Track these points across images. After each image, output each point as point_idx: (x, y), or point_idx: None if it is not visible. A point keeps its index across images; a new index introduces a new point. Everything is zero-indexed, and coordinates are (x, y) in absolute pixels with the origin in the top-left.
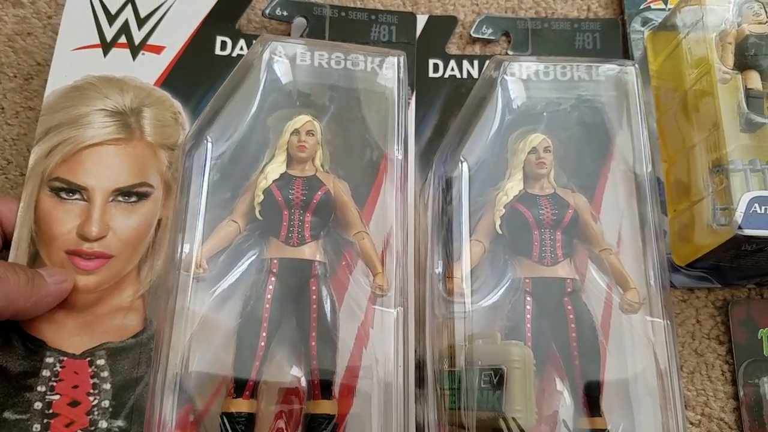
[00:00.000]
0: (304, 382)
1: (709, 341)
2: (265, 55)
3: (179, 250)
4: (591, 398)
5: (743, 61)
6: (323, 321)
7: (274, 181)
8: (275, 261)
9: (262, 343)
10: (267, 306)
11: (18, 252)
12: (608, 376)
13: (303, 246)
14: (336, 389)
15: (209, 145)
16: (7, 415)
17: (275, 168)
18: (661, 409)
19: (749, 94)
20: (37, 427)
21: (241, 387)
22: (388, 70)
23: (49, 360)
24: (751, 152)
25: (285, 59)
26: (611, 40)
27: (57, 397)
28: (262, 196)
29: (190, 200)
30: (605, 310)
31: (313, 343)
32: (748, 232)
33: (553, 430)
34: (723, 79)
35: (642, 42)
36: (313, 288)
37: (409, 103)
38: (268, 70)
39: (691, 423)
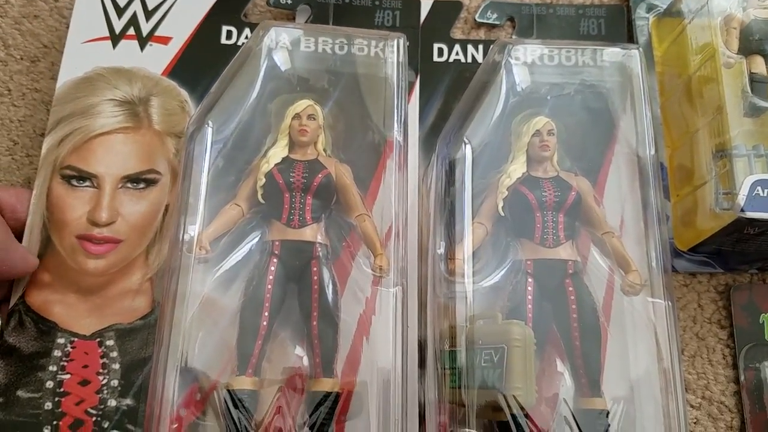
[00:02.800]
0: (306, 361)
1: (710, 325)
2: (266, 41)
3: (181, 232)
4: (591, 379)
5: (748, 46)
6: (324, 301)
7: (275, 165)
8: (277, 243)
9: (264, 323)
10: (269, 287)
11: (31, 238)
12: (609, 357)
13: (304, 228)
14: (337, 367)
15: (210, 129)
16: (20, 393)
17: (277, 152)
18: (662, 391)
19: (753, 78)
20: (48, 405)
21: (244, 365)
22: (388, 52)
23: (61, 341)
24: (754, 137)
25: (284, 45)
26: (616, 26)
27: (68, 376)
28: (263, 180)
29: (192, 183)
30: (607, 293)
31: (315, 323)
32: (750, 214)
33: (554, 410)
34: (727, 64)
35: (647, 28)
36: (315, 269)
37: (412, 86)
38: (268, 55)
39: (692, 406)
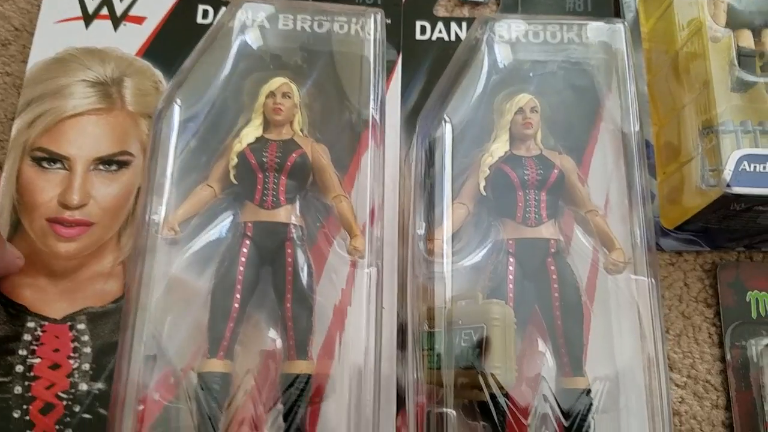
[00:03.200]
0: (280, 344)
1: (696, 304)
2: (238, 18)
3: (147, 213)
4: (573, 358)
5: (735, 20)
6: (299, 283)
7: (248, 145)
8: (250, 224)
9: (236, 305)
10: (241, 269)
11: (0, 221)
12: (593, 336)
13: (278, 209)
14: (312, 350)
15: (178, 108)
16: None
17: (250, 132)
18: (644, 369)
19: (741, 52)
20: (18, 389)
21: (215, 347)
22: (365, 29)
23: (31, 325)
24: (742, 113)
25: (258, 22)
26: (602, 2)
27: (38, 360)
28: (236, 160)
29: (159, 163)
30: (591, 272)
31: (288, 305)
32: (737, 190)
33: (536, 390)
34: (714, 38)
35: (634, 3)
36: (289, 251)
37: (394, 65)
38: (240, 33)
39: (677, 385)
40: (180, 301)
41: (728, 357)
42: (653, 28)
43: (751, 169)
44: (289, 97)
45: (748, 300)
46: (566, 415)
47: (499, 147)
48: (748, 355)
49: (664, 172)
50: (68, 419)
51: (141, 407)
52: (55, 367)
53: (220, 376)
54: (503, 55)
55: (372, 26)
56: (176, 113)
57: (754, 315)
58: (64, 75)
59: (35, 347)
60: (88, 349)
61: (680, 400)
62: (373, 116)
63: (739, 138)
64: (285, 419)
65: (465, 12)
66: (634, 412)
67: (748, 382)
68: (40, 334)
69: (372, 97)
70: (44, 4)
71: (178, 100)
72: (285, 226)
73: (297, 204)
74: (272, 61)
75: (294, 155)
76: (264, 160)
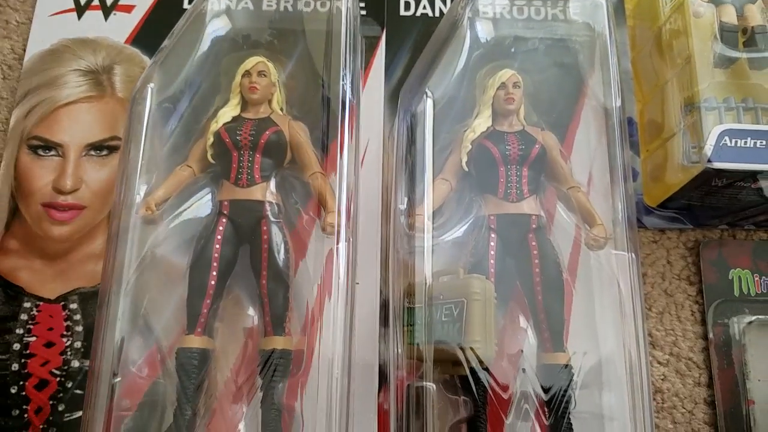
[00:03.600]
0: (257, 321)
1: (679, 282)
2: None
3: (121, 193)
4: (554, 333)
5: None
6: (274, 261)
7: (224, 124)
8: (226, 203)
9: (212, 282)
10: (217, 246)
11: None
12: (575, 313)
13: (253, 187)
14: (289, 326)
15: (151, 90)
16: None
17: (227, 111)
18: (625, 344)
19: (724, 27)
20: (15, 366)
21: (192, 324)
22: (338, 5)
23: (27, 305)
24: (725, 89)
25: (232, 3)
26: None
27: (33, 338)
28: (212, 139)
29: (133, 144)
30: (574, 248)
31: (264, 281)
32: (717, 165)
33: (516, 366)
34: (696, 13)
35: None
36: (264, 228)
37: (378, 41)
38: (213, 14)
39: (660, 362)
40: (160, 279)
41: (710, 335)
42: (637, 4)
43: (732, 144)
44: (265, 75)
45: (730, 278)
46: (546, 390)
47: (482, 122)
48: (731, 333)
49: (647, 150)
50: (61, 395)
51: (118, 379)
52: (50, 345)
53: (198, 351)
54: (485, 31)
55: (344, 2)
56: (149, 95)
57: (736, 293)
58: (58, 65)
59: (31, 326)
60: (79, 328)
61: (663, 377)
62: (345, 93)
63: (722, 115)
64: (262, 395)
65: None
66: (614, 387)
67: (731, 360)
68: (36, 313)
69: (343, 75)
70: None
71: (152, 84)
72: (260, 203)
73: (272, 182)
74: (244, 42)
75: (268, 132)
76: (238, 138)
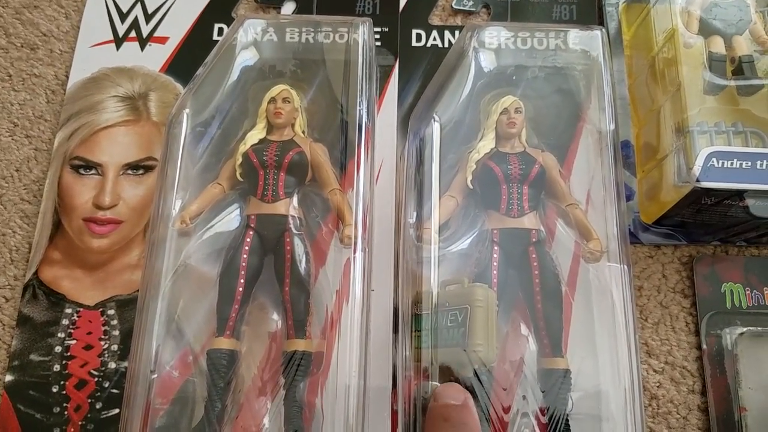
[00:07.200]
0: (280, 324)
1: (674, 294)
2: (240, 33)
3: (158, 208)
4: (553, 339)
5: (707, 28)
6: (296, 269)
7: (251, 146)
8: (253, 216)
9: (240, 289)
10: (245, 256)
11: (43, 222)
12: (574, 323)
13: (278, 202)
14: (310, 329)
15: (187, 115)
16: (32, 357)
17: (255, 134)
18: (619, 352)
19: (712, 57)
20: (56, 367)
21: (222, 327)
22: (355, 37)
23: (68, 311)
24: (716, 114)
25: (257, 36)
26: (587, 12)
27: (74, 342)
28: (240, 159)
29: (170, 164)
30: (574, 262)
31: (287, 288)
32: (705, 184)
33: (518, 371)
34: (687, 44)
35: (616, 13)
36: (288, 240)
37: (392, 70)
38: (242, 46)
39: (655, 371)
40: (192, 286)
41: (704, 345)
42: (633, 35)
43: (719, 165)
44: (289, 101)
45: (722, 291)
46: (545, 392)
47: (486, 144)
48: (723, 344)
49: (643, 171)
50: (99, 394)
51: (155, 375)
52: (88, 347)
53: (228, 352)
54: (489, 61)
55: (361, 34)
56: (185, 120)
57: (728, 305)
58: (98, 92)
59: (71, 330)
60: (116, 332)
61: (658, 384)
62: (362, 117)
63: (713, 138)
64: (285, 393)
65: (458, 21)
66: (609, 391)
67: (723, 369)
68: (76, 319)
69: (359, 101)
70: (81, 30)
71: (187, 111)
72: (284, 217)
73: (295, 198)
74: (270, 72)
75: (291, 153)
76: (264, 158)
